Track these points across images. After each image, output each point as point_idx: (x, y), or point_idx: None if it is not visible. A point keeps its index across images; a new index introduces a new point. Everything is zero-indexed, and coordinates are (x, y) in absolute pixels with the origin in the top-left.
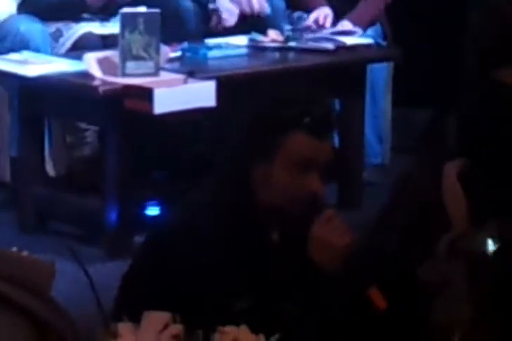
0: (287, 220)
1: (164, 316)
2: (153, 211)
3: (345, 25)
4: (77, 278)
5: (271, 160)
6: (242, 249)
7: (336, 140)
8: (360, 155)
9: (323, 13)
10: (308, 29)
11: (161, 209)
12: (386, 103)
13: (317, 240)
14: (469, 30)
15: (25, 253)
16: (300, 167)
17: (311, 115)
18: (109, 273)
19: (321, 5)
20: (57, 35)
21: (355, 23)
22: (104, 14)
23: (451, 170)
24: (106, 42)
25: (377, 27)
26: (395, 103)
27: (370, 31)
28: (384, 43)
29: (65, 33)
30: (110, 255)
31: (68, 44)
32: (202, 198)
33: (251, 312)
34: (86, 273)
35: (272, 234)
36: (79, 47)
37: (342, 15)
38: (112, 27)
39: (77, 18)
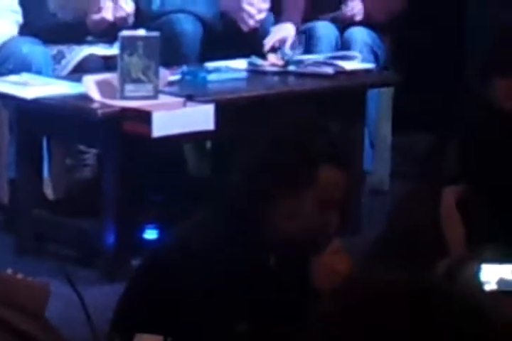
0: (289, 247)
1: (156, 339)
2: (151, 234)
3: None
4: (72, 301)
5: (296, 192)
6: (240, 272)
7: None
8: (360, 180)
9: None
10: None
11: (159, 233)
12: (385, 128)
13: (325, 268)
14: (470, 53)
15: (20, 275)
16: (326, 202)
17: (335, 146)
18: (106, 295)
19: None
20: (59, 58)
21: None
22: (107, 37)
23: (449, 195)
24: (109, 64)
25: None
26: (395, 128)
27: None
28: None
29: (67, 55)
30: (107, 278)
31: (70, 66)
32: (201, 222)
33: (250, 336)
34: (78, 294)
35: (270, 259)
36: (81, 70)
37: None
38: (115, 49)
39: (80, 41)
